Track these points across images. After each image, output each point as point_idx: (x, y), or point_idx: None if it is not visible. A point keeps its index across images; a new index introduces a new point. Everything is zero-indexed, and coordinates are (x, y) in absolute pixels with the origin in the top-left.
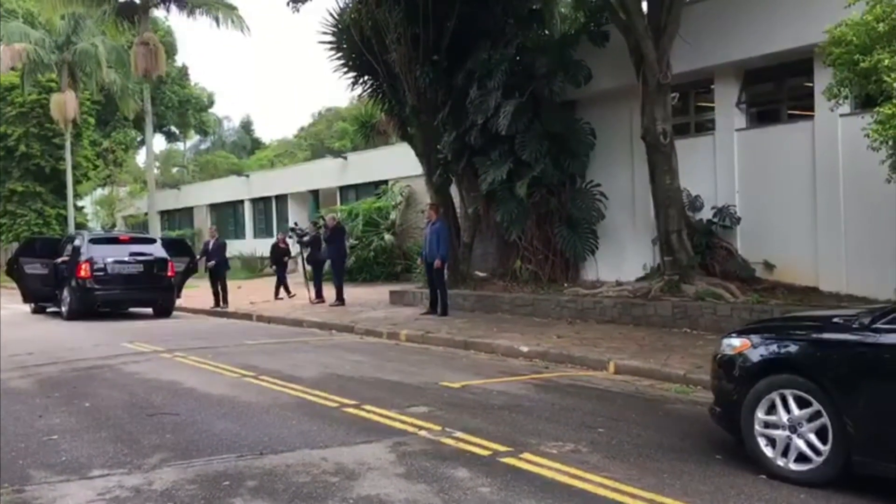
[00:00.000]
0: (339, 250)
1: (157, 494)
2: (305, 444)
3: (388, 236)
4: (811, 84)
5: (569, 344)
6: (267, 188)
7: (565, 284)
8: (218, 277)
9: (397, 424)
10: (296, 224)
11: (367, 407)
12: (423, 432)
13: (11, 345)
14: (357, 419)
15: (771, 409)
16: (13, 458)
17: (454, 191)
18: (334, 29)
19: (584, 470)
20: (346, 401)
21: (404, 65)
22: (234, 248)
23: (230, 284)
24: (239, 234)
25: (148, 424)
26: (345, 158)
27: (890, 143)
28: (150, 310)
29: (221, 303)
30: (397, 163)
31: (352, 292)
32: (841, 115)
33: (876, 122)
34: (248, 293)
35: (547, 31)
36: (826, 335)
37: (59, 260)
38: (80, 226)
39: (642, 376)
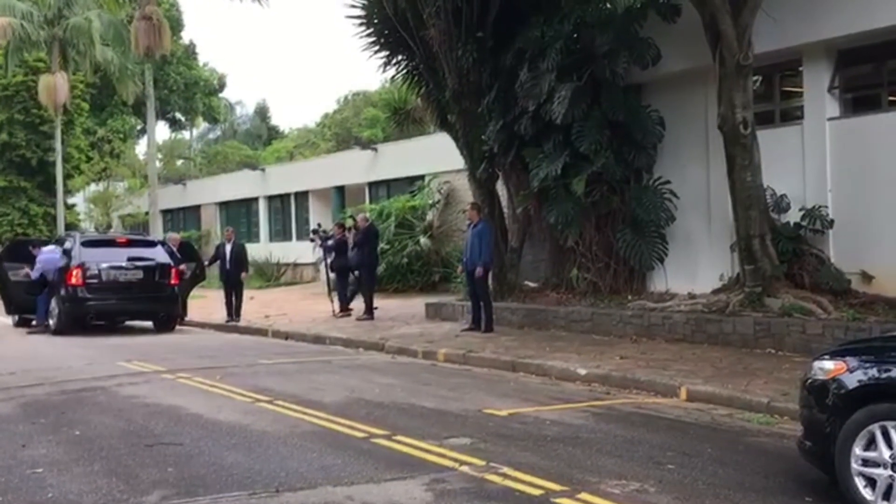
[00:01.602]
0: (371, 255)
1: None
2: (328, 480)
3: (423, 240)
4: None
5: (633, 366)
6: (285, 184)
7: (629, 297)
8: (233, 287)
9: (434, 458)
10: (319, 225)
11: (400, 438)
12: (464, 468)
13: None
14: (388, 452)
15: (870, 444)
16: None
17: (501, 188)
18: (364, 1)
19: None
20: (375, 430)
21: (444, 42)
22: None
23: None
24: (252, 236)
25: (147, 456)
26: (375, 150)
27: None
28: (150, 323)
29: (234, 316)
30: (435, 155)
31: (382, 304)
32: None
33: None
34: (260, 305)
35: (609, 5)
36: None
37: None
38: (71, 226)
39: (719, 404)
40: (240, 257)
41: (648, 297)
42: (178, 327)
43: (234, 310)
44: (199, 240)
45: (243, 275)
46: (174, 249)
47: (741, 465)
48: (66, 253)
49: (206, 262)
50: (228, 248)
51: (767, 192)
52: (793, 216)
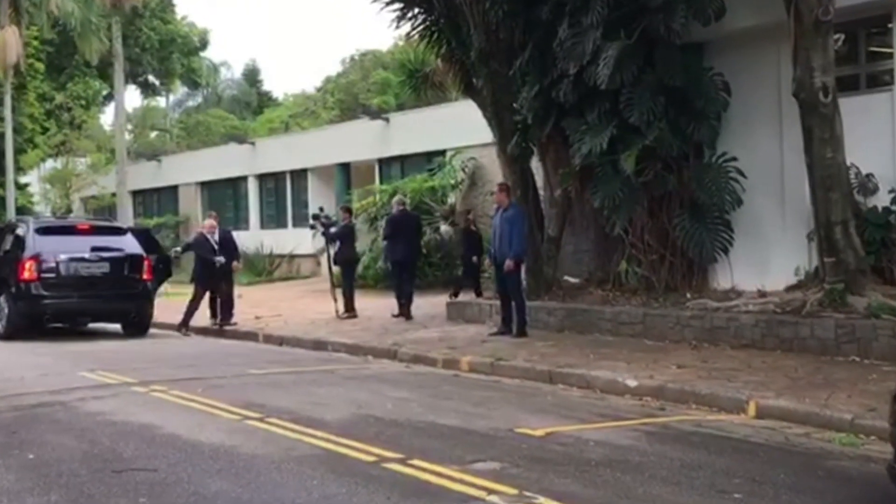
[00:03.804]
0: (413, 247)
1: None
2: None
3: (444, 227)
4: None
5: (693, 376)
6: (279, 160)
7: (688, 294)
8: (222, 283)
9: (457, 486)
10: (321, 210)
11: (416, 462)
12: (493, 497)
13: None
14: (402, 478)
15: None
16: None
17: (536, 165)
18: None
19: None
20: (386, 453)
21: None
22: None
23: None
24: (240, 222)
25: (115, 484)
26: (386, 120)
27: None
28: (118, 326)
29: (223, 316)
30: (458, 126)
31: (394, 303)
32: None
33: None
34: (250, 304)
35: None
36: None
37: None
38: (24, 210)
39: (794, 422)
40: (229, 245)
41: (710, 294)
42: (150, 330)
43: (222, 310)
44: (176, 227)
45: (234, 264)
46: (208, 237)
47: (820, 494)
48: (18, 242)
49: (175, 253)
50: (214, 235)
51: (851, 171)
52: (881, 199)
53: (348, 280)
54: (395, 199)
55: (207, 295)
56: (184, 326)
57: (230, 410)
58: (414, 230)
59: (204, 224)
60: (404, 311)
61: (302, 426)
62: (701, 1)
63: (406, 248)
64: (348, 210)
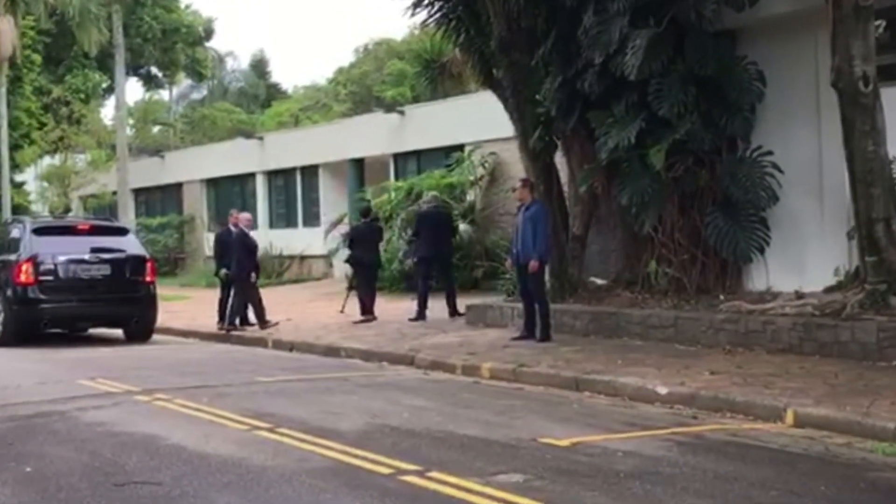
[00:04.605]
0: (445, 244)
1: None
2: None
3: (463, 226)
4: None
5: (727, 383)
6: (288, 156)
7: (721, 297)
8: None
9: (478, 500)
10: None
11: (435, 474)
12: None
13: None
14: (420, 492)
15: None
16: None
17: (560, 160)
18: None
19: None
20: (403, 465)
21: None
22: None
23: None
24: None
25: (116, 499)
26: (401, 113)
27: None
28: (119, 332)
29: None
30: (477, 120)
31: (410, 306)
32: None
33: None
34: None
35: None
36: None
37: None
38: (20, 209)
39: (835, 431)
40: (245, 248)
41: (745, 296)
42: (153, 336)
43: (257, 313)
44: (180, 226)
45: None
46: (246, 231)
47: None
48: (14, 243)
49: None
50: (234, 235)
51: (894, 165)
52: None
53: (366, 282)
54: (430, 194)
55: (218, 296)
56: (233, 325)
57: (238, 420)
58: (447, 226)
59: (239, 217)
60: (450, 309)
61: (314, 437)
62: None
63: (440, 242)
64: (367, 213)
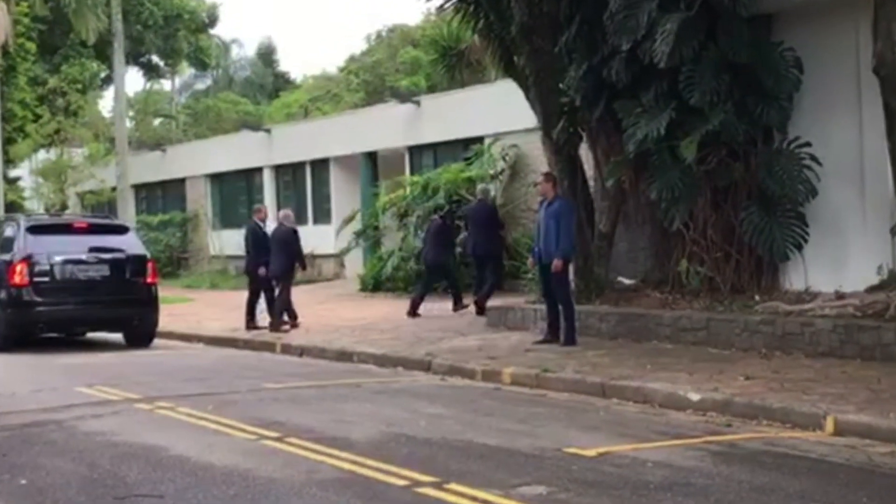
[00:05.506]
0: (494, 240)
1: None
2: None
3: None
4: None
5: (763, 389)
6: (297, 149)
7: (756, 297)
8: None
9: None
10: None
11: (453, 486)
12: None
13: None
14: None
15: None
16: None
17: (585, 153)
18: None
19: None
20: (420, 476)
21: None
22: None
23: (235, 296)
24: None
25: None
26: (417, 104)
27: None
28: (119, 335)
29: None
30: (497, 110)
31: (427, 307)
32: None
33: None
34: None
35: None
36: None
37: None
38: (14, 206)
39: (877, 439)
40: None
41: (782, 297)
42: (155, 341)
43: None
44: (183, 224)
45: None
46: (262, 225)
47: None
48: (8, 243)
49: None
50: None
51: None
52: None
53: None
54: (480, 186)
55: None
56: (282, 323)
57: (245, 429)
58: (494, 221)
59: (282, 214)
60: (479, 305)
61: (325, 446)
62: None
63: (490, 238)
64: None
